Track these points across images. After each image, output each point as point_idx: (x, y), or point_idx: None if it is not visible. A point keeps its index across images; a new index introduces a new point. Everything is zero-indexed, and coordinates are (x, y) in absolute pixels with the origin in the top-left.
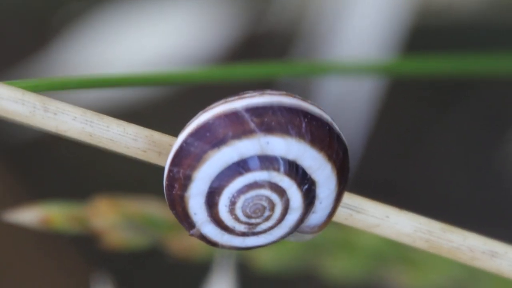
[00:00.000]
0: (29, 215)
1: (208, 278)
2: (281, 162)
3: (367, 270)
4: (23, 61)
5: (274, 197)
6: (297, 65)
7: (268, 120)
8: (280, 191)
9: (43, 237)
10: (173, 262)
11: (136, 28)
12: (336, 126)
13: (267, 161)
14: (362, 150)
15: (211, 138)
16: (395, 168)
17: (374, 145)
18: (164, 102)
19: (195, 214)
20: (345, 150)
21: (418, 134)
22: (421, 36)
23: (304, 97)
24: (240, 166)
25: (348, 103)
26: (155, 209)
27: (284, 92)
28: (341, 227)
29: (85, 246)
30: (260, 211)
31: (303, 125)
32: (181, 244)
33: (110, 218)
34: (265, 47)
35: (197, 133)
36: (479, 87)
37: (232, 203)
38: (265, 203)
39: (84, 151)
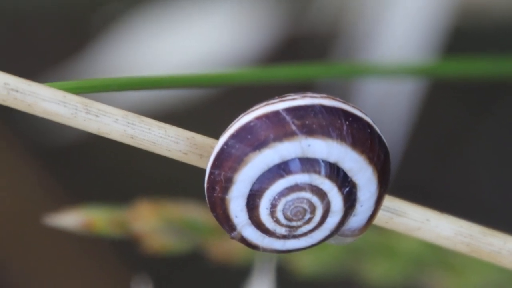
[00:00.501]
0: (71, 219)
1: (248, 282)
2: (322, 164)
3: (407, 274)
4: (63, 62)
5: (315, 199)
6: (337, 67)
7: (310, 123)
8: (321, 194)
9: (85, 241)
10: (214, 266)
11: (176, 29)
12: (377, 129)
13: (308, 164)
14: (401, 152)
15: (252, 140)
16: (434, 171)
17: (413, 148)
18: (205, 104)
19: (236, 216)
20: (386, 153)
21: (456, 137)
22: (461, 38)
23: (345, 99)
24: (281, 169)
25: (388, 106)
26: (196, 213)
27: (325, 95)
28: (381, 230)
29: (126, 250)
30: (301, 213)
31: (344, 127)
32: (222, 247)
33: (151, 222)
34: (305, 49)
35: (238, 135)
36: None
37: (273, 206)
38: (306, 206)
39: (125, 154)
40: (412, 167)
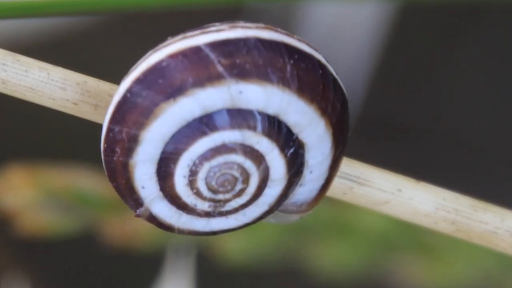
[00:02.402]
0: None
1: (159, 274)
2: (259, 117)
3: (370, 260)
4: None
5: (249, 164)
6: None
7: (241, 62)
8: (257, 157)
9: None
10: (111, 252)
11: None
12: (331, 69)
13: (240, 117)
14: (364, 92)
15: (164, 85)
16: (404, 110)
17: (378, 84)
18: (100, 37)
19: (142, 187)
20: (343, 101)
21: (429, 68)
22: None
23: (288, 30)
24: (204, 124)
25: (342, 36)
26: (89, 182)
27: (262, 25)
28: (337, 204)
29: None
30: (230, 183)
31: (288, 68)
32: (122, 228)
33: (28, 194)
34: None
35: (146, 80)
36: (495, 13)
37: (193, 173)
38: (236, 173)
39: None
40: (377, 111)
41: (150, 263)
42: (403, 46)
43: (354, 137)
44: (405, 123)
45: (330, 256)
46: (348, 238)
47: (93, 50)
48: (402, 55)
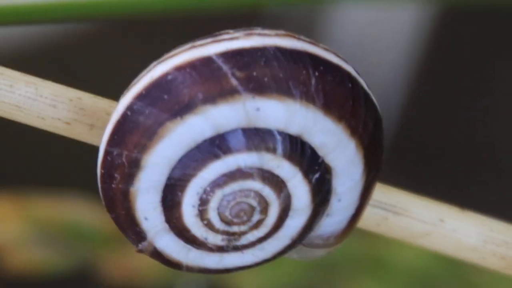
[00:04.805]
0: None
1: None
2: (279, 138)
3: None
4: None
5: (268, 192)
6: None
7: (258, 74)
8: (277, 183)
9: None
10: None
11: None
12: (363, 82)
13: (257, 137)
14: (400, 110)
15: (170, 102)
16: (442, 128)
17: (415, 99)
18: (96, 45)
19: (145, 219)
20: (376, 119)
21: (479, 78)
22: None
23: (311, 38)
24: (216, 145)
25: (376, 42)
26: (84, 213)
27: (283, 32)
28: (370, 237)
29: None
30: (246, 213)
31: (313, 81)
32: (123, 265)
33: (16, 227)
34: None
35: (149, 95)
36: None
37: (204, 202)
38: (253, 202)
39: None
40: (414, 132)
41: None
42: (443, 56)
43: (388, 161)
44: (444, 144)
45: None
46: (381, 276)
47: (88, 61)
48: (441, 66)
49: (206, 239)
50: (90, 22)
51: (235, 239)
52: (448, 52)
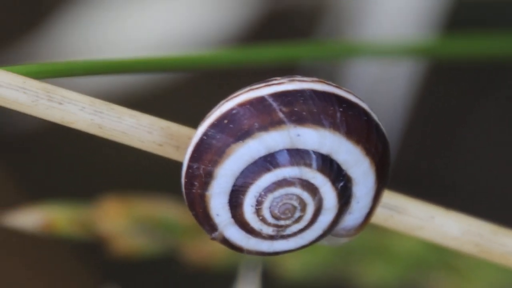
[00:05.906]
0: (29, 218)
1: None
2: (314, 156)
3: (407, 278)
4: (13, 43)
5: (306, 196)
6: (323, 47)
7: (299, 110)
8: (312, 189)
9: (44, 244)
10: (192, 271)
11: (143, 4)
12: (374, 116)
13: (298, 156)
14: (400, 139)
15: (234, 129)
16: (435, 159)
17: (413, 134)
18: (180, 90)
19: (217, 215)
20: (385, 143)
21: (460, 121)
22: (462, 12)
23: (337, 83)
24: (268, 161)
25: (381, 90)
26: (172, 211)
27: (316, 79)
28: (379, 230)
29: (91, 254)
30: (290, 211)
31: (338, 114)
32: (201, 250)
33: (120, 222)
34: (288, 26)
35: (219, 124)
36: None
37: (259, 203)
38: (295, 203)
39: (90, 144)
40: (413, 156)
41: (224, 279)
42: (434, 101)
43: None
44: (434, 177)
45: (372, 274)
46: (387, 259)
47: (175, 101)
48: (433, 109)
49: (261, 230)
50: (175, 73)
51: (282, 230)
52: (435, 100)
